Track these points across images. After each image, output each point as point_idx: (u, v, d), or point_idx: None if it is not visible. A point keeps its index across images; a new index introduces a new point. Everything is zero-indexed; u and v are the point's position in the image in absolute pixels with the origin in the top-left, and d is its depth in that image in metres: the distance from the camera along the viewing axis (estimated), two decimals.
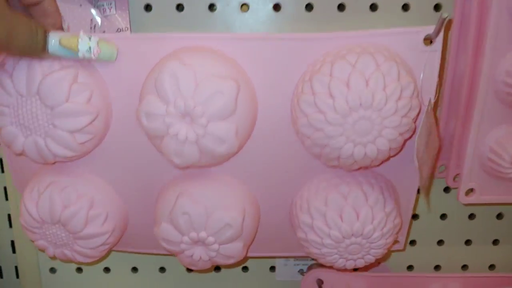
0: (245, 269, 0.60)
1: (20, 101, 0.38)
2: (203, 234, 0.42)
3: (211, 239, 0.42)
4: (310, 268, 0.57)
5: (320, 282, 0.56)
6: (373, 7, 0.48)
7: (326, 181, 0.44)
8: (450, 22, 0.46)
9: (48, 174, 0.45)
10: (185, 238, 0.43)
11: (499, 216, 0.58)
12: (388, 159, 0.41)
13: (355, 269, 0.57)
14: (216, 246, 0.43)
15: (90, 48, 0.37)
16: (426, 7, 0.49)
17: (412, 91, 0.37)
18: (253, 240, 0.47)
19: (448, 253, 0.60)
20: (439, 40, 0.38)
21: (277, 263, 0.60)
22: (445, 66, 0.48)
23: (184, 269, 0.60)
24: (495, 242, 0.60)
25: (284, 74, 0.40)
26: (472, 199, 0.48)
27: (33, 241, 0.46)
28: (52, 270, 0.60)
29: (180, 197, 0.42)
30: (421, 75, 0.39)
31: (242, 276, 0.60)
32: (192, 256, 0.44)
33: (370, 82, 0.35)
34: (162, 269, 0.60)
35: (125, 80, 0.41)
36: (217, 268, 0.60)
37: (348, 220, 0.42)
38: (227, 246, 0.43)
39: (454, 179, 0.50)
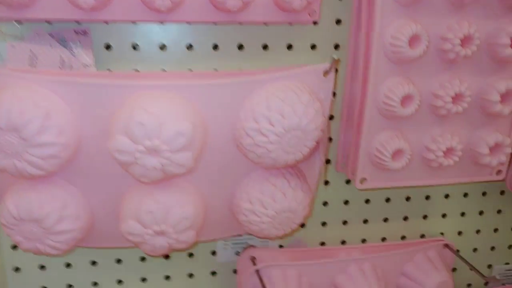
0: (191, 255, 0.70)
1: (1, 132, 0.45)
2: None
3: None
4: (245, 249, 0.70)
5: (253, 259, 0.68)
6: (289, 47, 0.63)
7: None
8: (338, 60, 0.62)
9: (26, 182, 0.51)
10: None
11: (388, 200, 0.75)
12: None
13: (280, 246, 0.71)
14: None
15: None
16: (328, 46, 0.64)
17: (321, 112, 0.51)
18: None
19: (351, 230, 0.75)
20: (332, 73, 0.54)
21: (218, 247, 0.70)
22: (343, 92, 0.64)
23: (138, 258, 0.68)
24: (385, 220, 0.76)
25: (224, 104, 0.51)
26: (365, 185, 0.64)
27: (10, 236, 0.51)
28: (17, 269, 0.64)
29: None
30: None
31: (188, 261, 0.70)
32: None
33: (297, 112, 0.48)
34: (118, 261, 0.68)
35: (92, 113, 0.49)
36: (167, 256, 0.69)
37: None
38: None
39: (352, 173, 0.65)
